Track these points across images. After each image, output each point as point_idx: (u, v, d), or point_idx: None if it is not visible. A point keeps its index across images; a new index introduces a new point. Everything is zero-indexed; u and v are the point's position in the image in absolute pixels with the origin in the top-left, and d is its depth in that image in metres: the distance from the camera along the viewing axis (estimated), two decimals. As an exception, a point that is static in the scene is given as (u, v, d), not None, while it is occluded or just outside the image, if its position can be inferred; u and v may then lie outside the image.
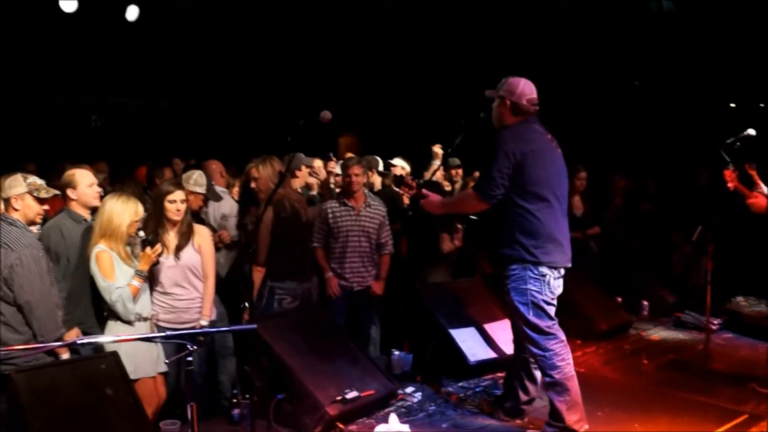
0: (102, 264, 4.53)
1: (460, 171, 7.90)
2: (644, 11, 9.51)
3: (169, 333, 2.83)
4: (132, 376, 4.42)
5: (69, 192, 4.93)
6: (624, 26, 9.44)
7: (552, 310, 4.39)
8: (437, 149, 7.69)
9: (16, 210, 4.41)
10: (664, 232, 8.23)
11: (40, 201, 4.48)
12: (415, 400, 5.05)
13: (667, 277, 8.02)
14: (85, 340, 4.25)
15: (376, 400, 4.78)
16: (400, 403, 4.97)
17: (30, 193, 4.43)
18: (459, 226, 6.78)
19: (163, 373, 4.71)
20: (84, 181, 4.95)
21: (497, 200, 4.35)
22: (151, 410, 4.55)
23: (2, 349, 4.07)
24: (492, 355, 5.56)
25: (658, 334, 6.79)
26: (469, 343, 5.54)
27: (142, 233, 4.67)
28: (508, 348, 5.63)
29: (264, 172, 5.51)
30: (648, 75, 9.44)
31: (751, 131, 5.41)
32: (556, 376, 4.31)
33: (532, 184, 4.32)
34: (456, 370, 5.42)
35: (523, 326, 4.39)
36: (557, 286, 4.43)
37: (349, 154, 7.35)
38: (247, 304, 5.15)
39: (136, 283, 4.59)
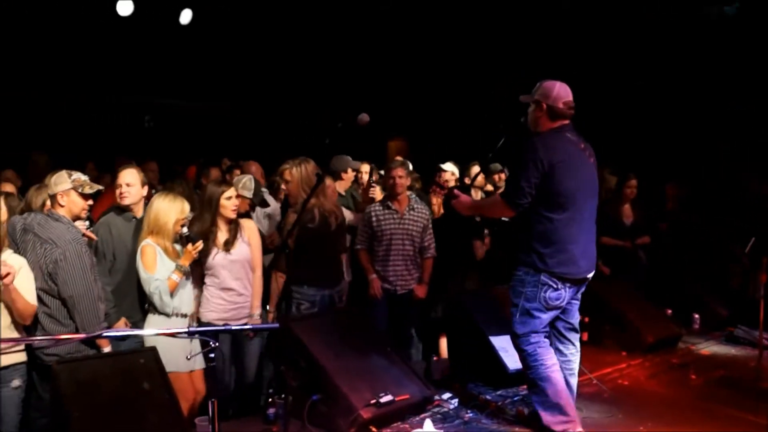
0: (145, 257, 4.70)
1: (502, 176, 7.80)
2: (704, 16, 9.27)
3: (191, 329, 2.83)
4: (186, 368, 4.61)
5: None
6: (683, 31, 9.22)
7: (541, 319, 4.43)
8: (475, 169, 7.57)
9: (62, 206, 4.54)
10: (722, 243, 7.99)
11: (85, 197, 4.59)
12: (452, 406, 5.00)
13: (724, 289, 7.77)
14: (110, 334, 4.31)
15: (412, 404, 4.75)
16: (436, 409, 4.94)
17: (75, 189, 4.55)
18: (486, 230, 6.74)
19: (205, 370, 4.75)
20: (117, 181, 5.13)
21: (523, 209, 4.37)
22: (187, 405, 4.63)
23: (39, 338, 4.17)
24: (532, 363, 5.46)
25: (708, 348, 6.60)
26: (509, 350, 5.44)
27: (185, 229, 4.78)
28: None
29: (297, 175, 5.47)
30: (703, 82, 9.18)
31: None
32: (530, 375, 4.44)
33: (557, 195, 4.32)
34: (495, 377, 5.36)
35: (511, 324, 4.53)
36: (557, 298, 4.40)
37: (398, 158, 7.34)
38: (267, 307, 5.28)
39: (175, 277, 4.71)
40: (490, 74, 10.31)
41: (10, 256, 4.15)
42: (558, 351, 4.61)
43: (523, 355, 4.48)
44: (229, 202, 5.00)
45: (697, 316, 7.21)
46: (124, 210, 5.10)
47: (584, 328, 6.11)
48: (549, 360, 4.43)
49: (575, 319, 4.64)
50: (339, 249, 5.80)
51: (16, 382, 4.20)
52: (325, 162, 5.45)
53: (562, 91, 4.45)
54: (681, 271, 7.66)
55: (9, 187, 5.60)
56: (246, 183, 5.76)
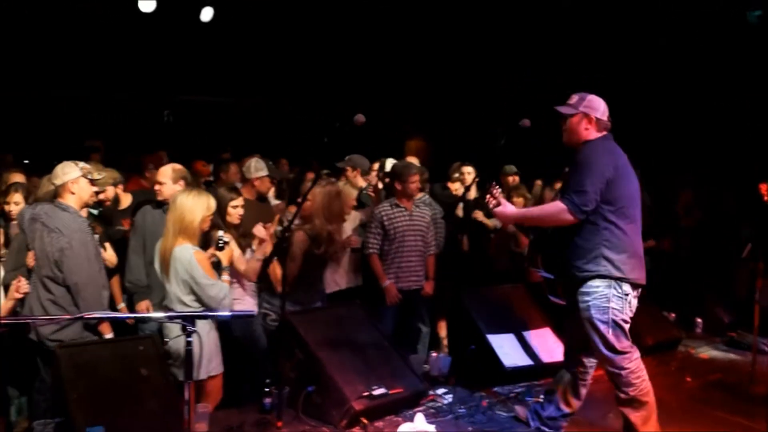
0: (204, 264, 4.48)
1: (516, 178, 7.76)
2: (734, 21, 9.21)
3: (171, 314, 2.94)
4: (216, 371, 4.57)
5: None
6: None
7: (626, 327, 4.33)
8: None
9: (72, 193, 4.65)
10: (730, 247, 7.98)
11: (92, 183, 4.74)
12: (446, 401, 5.09)
13: (729, 295, 7.77)
14: (87, 316, 4.40)
15: (405, 398, 4.85)
16: (430, 404, 5.04)
17: (84, 176, 4.69)
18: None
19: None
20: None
21: (587, 215, 4.23)
22: (216, 404, 4.72)
23: (37, 318, 4.30)
24: (529, 362, 5.56)
25: (707, 352, 6.63)
26: (506, 348, 5.55)
27: (221, 232, 4.68)
28: (546, 356, 5.67)
29: (319, 199, 5.40)
30: (716, 83, 9.14)
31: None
32: (632, 393, 4.27)
33: (621, 199, 4.25)
34: (491, 375, 5.44)
35: (601, 345, 4.27)
36: (636, 305, 4.36)
37: (411, 159, 7.38)
38: None
39: (227, 278, 4.65)
40: (503, 74, 10.34)
41: None
42: (581, 363, 4.58)
43: (625, 373, 4.27)
44: (235, 211, 5.02)
45: (699, 320, 7.23)
46: (160, 203, 5.21)
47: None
48: (645, 372, 4.34)
49: None
50: (324, 269, 5.76)
51: None
52: (327, 159, 5.48)
53: (605, 105, 4.43)
54: (686, 276, 7.66)
55: (18, 177, 5.75)
56: (254, 165, 5.76)
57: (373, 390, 4.62)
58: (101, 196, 5.36)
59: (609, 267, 4.18)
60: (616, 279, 4.19)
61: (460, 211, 6.90)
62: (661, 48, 9.43)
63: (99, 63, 10.16)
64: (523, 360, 5.55)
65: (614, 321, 4.23)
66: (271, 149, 7.62)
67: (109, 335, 4.73)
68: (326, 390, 4.63)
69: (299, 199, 5.40)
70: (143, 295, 5.14)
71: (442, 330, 6.60)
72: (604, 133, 4.41)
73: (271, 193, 6.44)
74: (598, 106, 4.40)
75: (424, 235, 6.20)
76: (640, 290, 4.35)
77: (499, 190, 4.58)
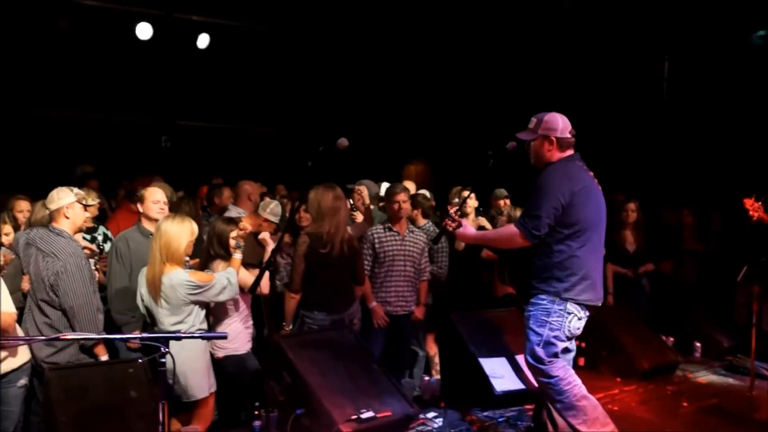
0: (197, 276, 4.72)
1: (507, 201, 7.81)
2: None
3: (144, 335, 3.02)
4: (208, 392, 4.77)
5: (138, 206, 5.41)
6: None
7: (558, 347, 4.42)
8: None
9: (67, 218, 4.77)
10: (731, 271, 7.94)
11: (85, 208, 4.85)
12: (436, 425, 5.10)
13: (729, 318, 7.74)
14: (70, 336, 4.52)
15: (394, 422, 4.85)
16: (420, 428, 5.05)
17: (78, 201, 4.80)
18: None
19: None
20: (150, 198, 5.40)
21: (540, 239, 4.38)
22: (207, 425, 4.84)
23: (32, 338, 4.39)
24: (520, 386, 5.53)
25: (705, 377, 6.58)
26: (498, 372, 5.54)
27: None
28: (538, 380, 5.67)
29: (313, 200, 5.49)
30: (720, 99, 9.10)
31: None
32: (566, 400, 4.39)
33: (577, 223, 4.36)
34: (482, 398, 5.43)
35: (529, 355, 4.47)
36: (578, 327, 4.45)
37: (408, 183, 7.47)
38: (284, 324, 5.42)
39: (239, 255, 4.92)
40: (498, 95, 10.40)
41: None
42: None
43: (555, 381, 4.41)
44: (233, 242, 5.09)
45: (698, 344, 7.19)
46: (142, 227, 5.36)
47: (581, 353, 6.18)
48: (574, 379, 4.44)
49: (573, 345, 4.67)
50: (349, 275, 5.73)
51: (22, 381, 4.43)
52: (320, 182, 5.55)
53: (565, 121, 4.51)
54: (685, 299, 7.63)
55: (24, 204, 5.87)
56: (273, 208, 5.89)
57: (362, 413, 4.63)
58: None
59: (557, 286, 4.35)
60: (563, 298, 4.34)
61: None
62: (663, 73, 9.46)
63: (96, 88, 10.41)
64: (515, 384, 5.53)
65: (548, 336, 4.38)
66: (267, 174, 7.75)
67: (104, 357, 4.82)
68: (314, 413, 4.64)
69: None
70: (133, 326, 5.14)
71: (433, 350, 6.65)
72: (569, 152, 4.50)
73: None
74: (556, 126, 4.47)
75: (416, 260, 6.24)
76: (586, 312, 4.45)
77: (457, 212, 4.72)
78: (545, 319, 4.40)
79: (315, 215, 5.51)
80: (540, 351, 4.40)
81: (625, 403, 5.75)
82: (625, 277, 7.37)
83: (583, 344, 6.18)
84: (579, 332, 4.49)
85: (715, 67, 9.02)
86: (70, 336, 4.47)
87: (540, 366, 4.42)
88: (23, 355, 4.46)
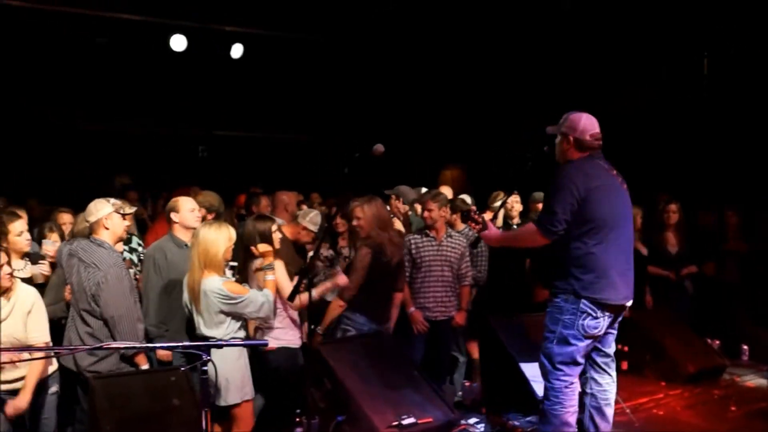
0: (231, 288, 4.68)
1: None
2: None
3: (186, 344, 3.04)
4: (248, 396, 4.76)
5: (172, 215, 5.36)
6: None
7: (578, 347, 4.39)
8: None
9: (107, 228, 4.80)
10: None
11: (124, 218, 4.89)
12: (477, 431, 5.06)
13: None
14: (114, 346, 4.53)
15: (434, 428, 4.81)
16: (461, 434, 5.02)
17: (116, 211, 4.84)
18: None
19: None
20: (186, 206, 5.39)
21: (558, 236, 4.36)
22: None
23: (75, 348, 4.46)
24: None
25: (753, 380, 6.44)
26: (539, 378, 5.46)
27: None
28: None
29: (369, 212, 5.52)
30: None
31: None
32: (546, 407, 4.48)
33: (593, 220, 4.32)
34: (524, 404, 5.37)
35: (542, 354, 4.49)
36: (595, 326, 4.37)
37: (445, 188, 7.44)
38: (318, 328, 5.41)
39: (271, 276, 4.85)
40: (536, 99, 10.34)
41: (22, 288, 4.40)
42: (593, 380, 4.62)
43: (549, 387, 4.47)
44: (276, 235, 5.10)
45: (746, 347, 7.04)
46: (175, 237, 5.34)
47: (624, 357, 6.10)
48: (569, 402, 4.44)
49: (611, 348, 4.62)
50: (395, 286, 5.77)
51: (53, 389, 4.50)
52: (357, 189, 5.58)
53: (588, 124, 4.48)
54: (731, 302, 7.48)
55: (67, 217, 5.95)
56: (313, 217, 5.91)
57: (403, 419, 4.60)
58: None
59: (574, 284, 4.35)
60: (577, 296, 4.32)
61: None
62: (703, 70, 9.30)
63: (133, 100, 10.55)
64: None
65: (561, 334, 4.38)
66: (302, 182, 7.79)
67: (144, 366, 4.85)
68: (355, 420, 4.63)
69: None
70: (166, 340, 5.09)
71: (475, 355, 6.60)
72: (587, 153, 4.45)
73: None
74: (576, 126, 4.46)
75: (453, 265, 6.20)
76: (613, 312, 4.41)
77: (494, 216, 4.74)
78: (558, 316, 4.42)
79: (368, 227, 5.50)
80: (554, 349, 4.41)
81: (671, 408, 5.68)
82: (667, 279, 7.24)
83: (626, 348, 6.09)
84: (597, 332, 4.38)
85: (756, 62, 8.84)
86: (114, 345, 4.51)
87: (548, 367, 4.46)
88: (51, 363, 4.53)
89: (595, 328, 4.37)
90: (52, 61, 9.42)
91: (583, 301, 4.31)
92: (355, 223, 5.59)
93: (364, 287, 5.44)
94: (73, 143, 10.19)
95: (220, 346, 3.01)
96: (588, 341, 4.41)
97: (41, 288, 4.92)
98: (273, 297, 4.79)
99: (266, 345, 3.95)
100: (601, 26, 9.34)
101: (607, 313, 4.38)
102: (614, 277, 4.35)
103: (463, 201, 6.96)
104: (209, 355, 2.81)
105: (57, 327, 5.07)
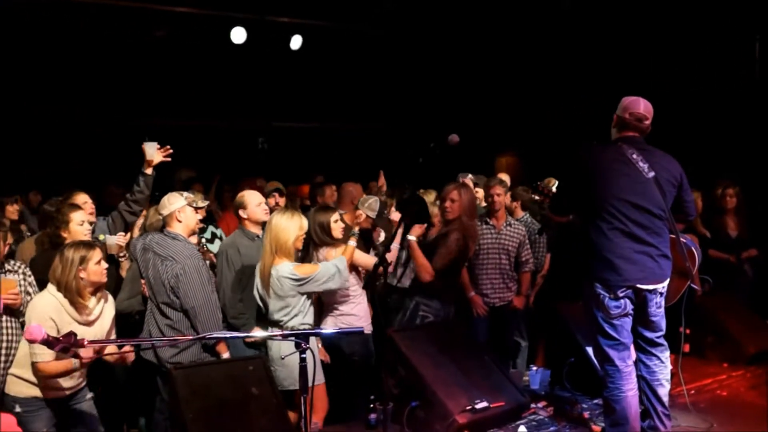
0: (303, 269, 4.88)
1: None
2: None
3: (286, 332, 3.12)
4: (318, 381, 4.87)
5: (241, 212, 5.45)
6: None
7: (611, 328, 4.42)
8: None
9: (180, 222, 4.93)
10: None
11: (197, 211, 5.00)
12: (547, 414, 5.11)
13: None
14: (218, 335, 4.66)
15: (506, 411, 4.89)
16: (531, 417, 5.06)
17: (189, 204, 4.95)
18: None
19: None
20: (253, 201, 5.48)
21: (562, 214, 4.71)
22: (321, 416, 4.96)
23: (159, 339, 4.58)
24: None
25: (815, 361, 6.39)
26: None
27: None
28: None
29: (465, 198, 5.63)
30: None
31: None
32: (605, 393, 4.50)
33: (597, 201, 4.37)
34: (592, 388, 5.39)
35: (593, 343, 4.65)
36: (616, 306, 4.36)
37: (502, 175, 7.44)
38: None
39: (353, 242, 5.12)
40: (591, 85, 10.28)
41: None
42: (642, 363, 4.63)
43: (604, 374, 4.51)
44: (336, 225, 5.25)
45: (806, 328, 6.96)
46: (246, 230, 5.44)
47: (686, 339, 6.06)
48: (626, 386, 4.44)
49: (654, 333, 4.57)
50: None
51: (89, 395, 4.57)
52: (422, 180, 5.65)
53: (632, 103, 4.49)
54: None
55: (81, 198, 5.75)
56: (372, 204, 6.00)
57: (476, 403, 4.67)
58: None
59: (588, 267, 4.43)
60: (591, 278, 4.40)
61: None
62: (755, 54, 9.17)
63: (193, 94, 10.63)
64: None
65: (592, 316, 4.46)
66: (364, 172, 7.81)
67: (225, 355, 4.97)
68: (430, 405, 4.71)
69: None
70: (250, 326, 5.22)
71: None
72: (624, 134, 4.49)
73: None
74: (622, 104, 4.53)
75: (511, 254, 6.27)
76: (629, 291, 4.35)
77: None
78: (587, 301, 4.51)
79: (462, 210, 5.61)
80: (596, 334, 4.48)
81: (734, 389, 5.67)
82: (727, 262, 7.21)
83: (688, 330, 6.08)
84: (620, 311, 4.36)
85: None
86: (215, 335, 4.64)
87: (598, 355, 4.55)
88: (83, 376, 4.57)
89: (618, 307, 4.36)
90: (112, 57, 9.53)
91: (595, 284, 4.39)
92: (447, 204, 5.64)
93: (445, 272, 5.52)
94: (135, 138, 10.35)
95: (318, 335, 3.09)
96: (622, 320, 4.40)
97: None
98: (346, 265, 4.95)
99: (362, 332, 4.02)
100: (657, 10, 9.24)
101: (620, 292, 4.34)
102: (615, 260, 4.32)
103: (525, 188, 7.00)
104: (308, 343, 2.90)
105: (131, 321, 5.24)
